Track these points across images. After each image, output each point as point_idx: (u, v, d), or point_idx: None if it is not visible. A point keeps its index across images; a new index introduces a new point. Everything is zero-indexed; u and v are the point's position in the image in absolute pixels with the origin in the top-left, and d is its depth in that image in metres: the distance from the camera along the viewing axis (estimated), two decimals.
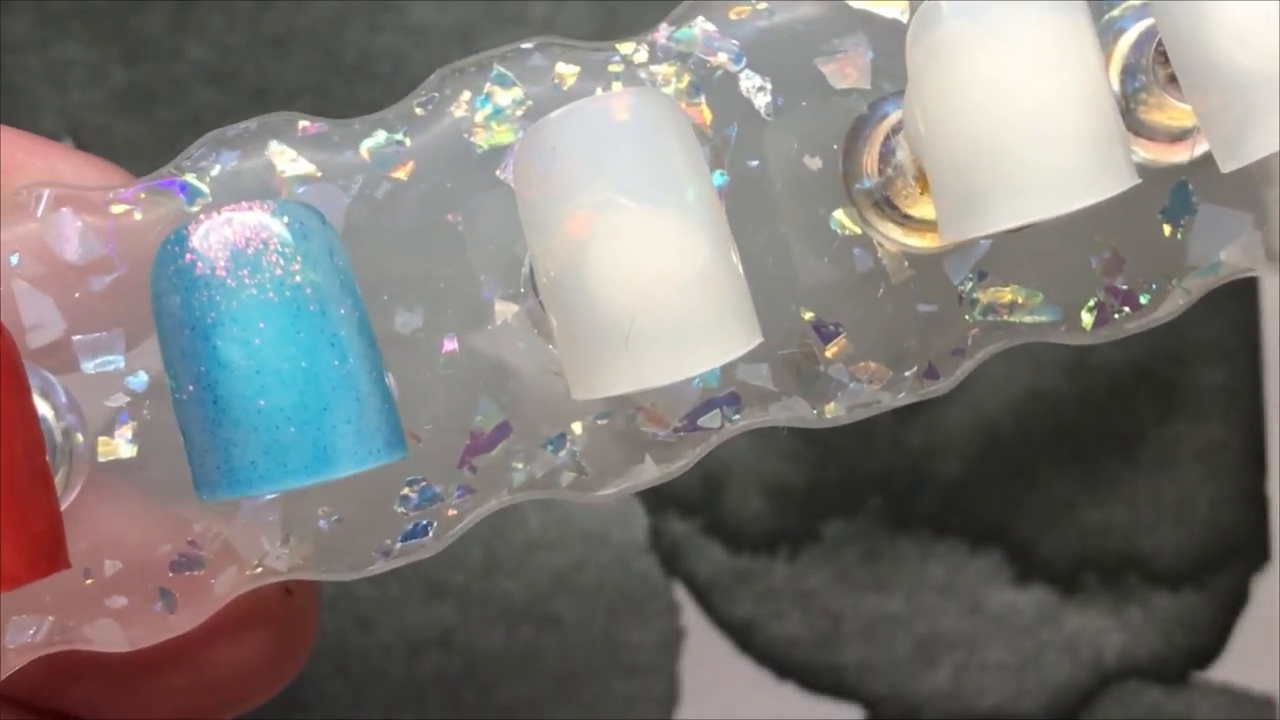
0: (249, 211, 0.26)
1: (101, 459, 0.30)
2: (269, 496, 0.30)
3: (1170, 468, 0.46)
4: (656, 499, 0.45)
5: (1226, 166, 0.27)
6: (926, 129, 0.27)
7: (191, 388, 0.26)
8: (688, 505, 0.45)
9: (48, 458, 0.29)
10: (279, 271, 0.25)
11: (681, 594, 0.45)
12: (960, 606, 0.46)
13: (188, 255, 0.25)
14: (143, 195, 0.30)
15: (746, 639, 0.45)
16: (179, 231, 0.26)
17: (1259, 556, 0.46)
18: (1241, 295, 0.46)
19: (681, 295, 0.26)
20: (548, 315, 0.28)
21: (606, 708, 0.44)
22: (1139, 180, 0.27)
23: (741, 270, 0.27)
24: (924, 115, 0.27)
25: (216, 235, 0.26)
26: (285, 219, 0.26)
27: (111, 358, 0.30)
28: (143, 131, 0.43)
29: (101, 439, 0.30)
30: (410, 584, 0.42)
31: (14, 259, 0.30)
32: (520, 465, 0.31)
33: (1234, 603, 0.47)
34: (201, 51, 0.39)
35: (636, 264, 0.26)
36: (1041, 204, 0.26)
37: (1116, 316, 0.32)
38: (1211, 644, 0.47)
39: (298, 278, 0.25)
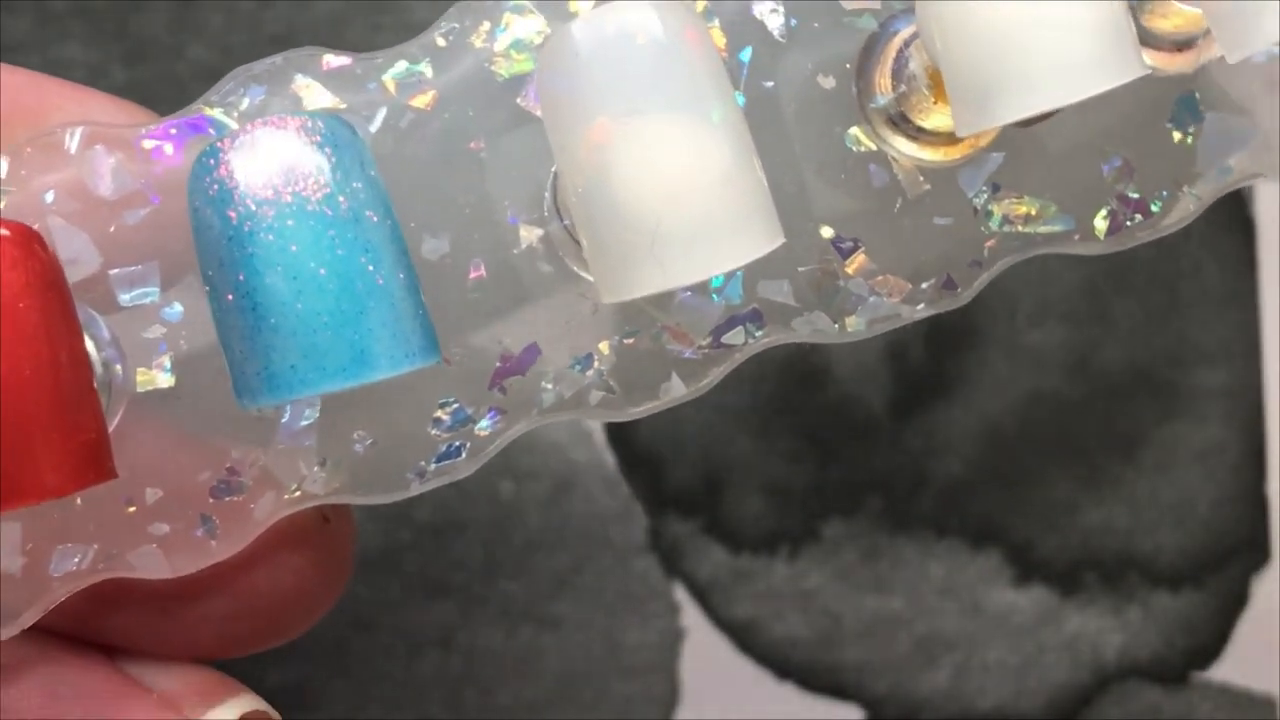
0: (282, 123, 0.26)
1: (140, 389, 0.30)
2: (306, 420, 0.30)
3: (1170, 468, 0.46)
4: (656, 499, 0.46)
5: (1233, 56, 0.28)
6: (939, 27, 0.27)
7: (230, 296, 0.26)
8: (688, 505, 0.46)
9: None
10: (312, 179, 0.26)
11: (681, 594, 0.45)
12: (960, 607, 0.46)
13: (223, 167, 0.26)
14: (173, 131, 0.31)
15: (747, 639, 0.45)
16: (214, 145, 0.27)
17: (1259, 557, 0.47)
18: (1242, 296, 0.46)
19: (704, 196, 0.27)
20: (575, 225, 0.28)
21: (606, 708, 0.44)
22: (1148, 70, 0.28)
23: (762, 174, 0.28)
24: (937, 14, 0.27)
25: (251, 146, 0.26)
26: (317, 129, 0.27)
27: (147, 290, 0.30)
28: None
29: (140, 369, 0.30)
30: (410, 584, 0.42)
31: (49, 196, 0.30)
32: (549, 386, 0.31)
33: (1234, 603, 0.47)
34: (202, 52, 0.40)
35: (660, 167, 0.26)
36: (1051, 92, 0.26)
37: (1129, 224, 0.32)
38: (1211, 644, 0.47)
39: (330, 186, 0.26)
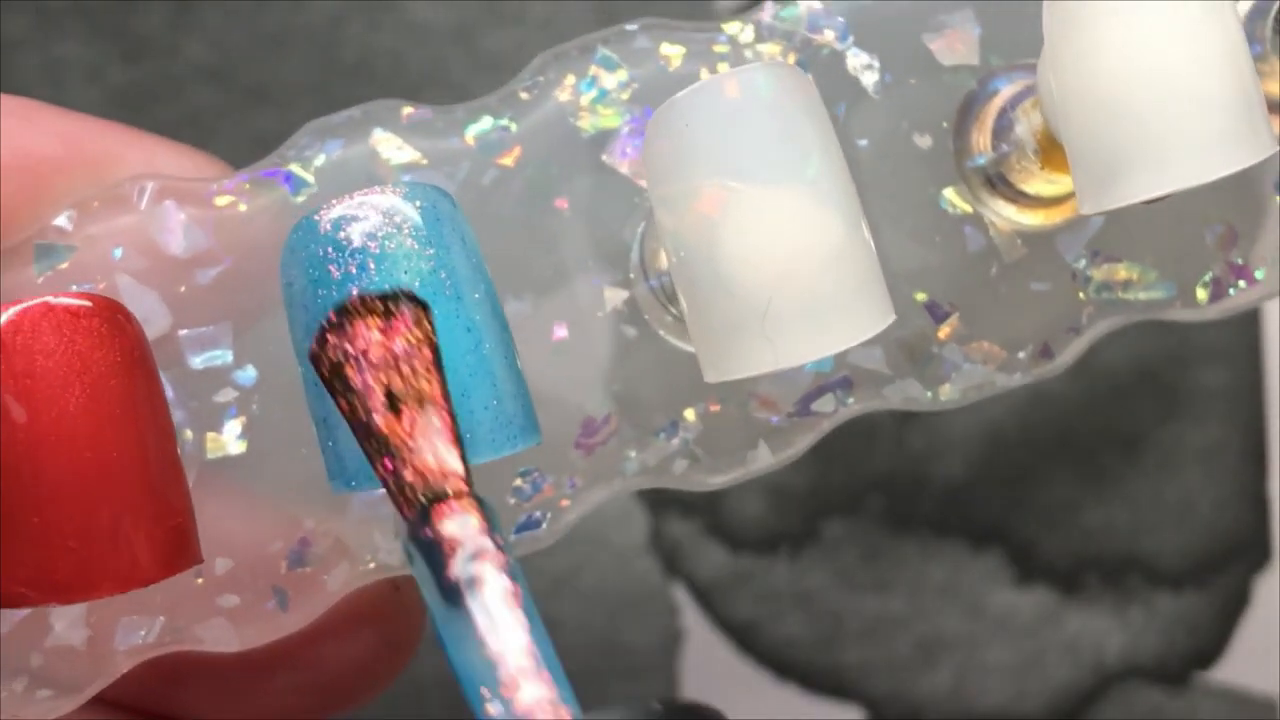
0: (380, 195, 0.25)
1: (210, 455, 0.29)
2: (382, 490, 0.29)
3: (1171, 469, 0.45)
4: (657, 500, 0.45)
5: None
6: (1062, 98, 0.26)
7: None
8: (688, 506, 0.45)
9: None
10: (412, 257, 0.25)
11: (682, 595, 0.45)
12: (961, 607, 0.45)
13: (318, 242, 0.25)
14: (246, 186, 0.30)
15: (747, 640, 0.45)
16: (308, 218, 0.25)
17: (1260, 557, 0.46)
18: None
19: (817, 273, 0.25)
20: (672, 293, 0.27)
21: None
22: (1276, 147, 0.27)
23: (874, 249, 0.27)
24: (1059, 83, 0.26)
25: (347, 220, 0.25)
26: (417, 202, 0.25)
27: (219, 352, 0.29)
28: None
29: (210, 435, 0.29)
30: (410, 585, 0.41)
31: (117, 253, 0.29)
32: (633, 454, 0.30)
33: (1235, 603, 0.46)
34: (200, 50, 0.39)
35: (771, 242, 0.25)
36: (1183, 172, 0.25)
37: (1232, 291, 0.31)
38: (1213, 645, 0.46)
39: (432, 262, 0.25)
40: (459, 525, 0.23)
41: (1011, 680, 0.45)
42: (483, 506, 0.23)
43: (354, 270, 0.25)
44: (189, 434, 0.29)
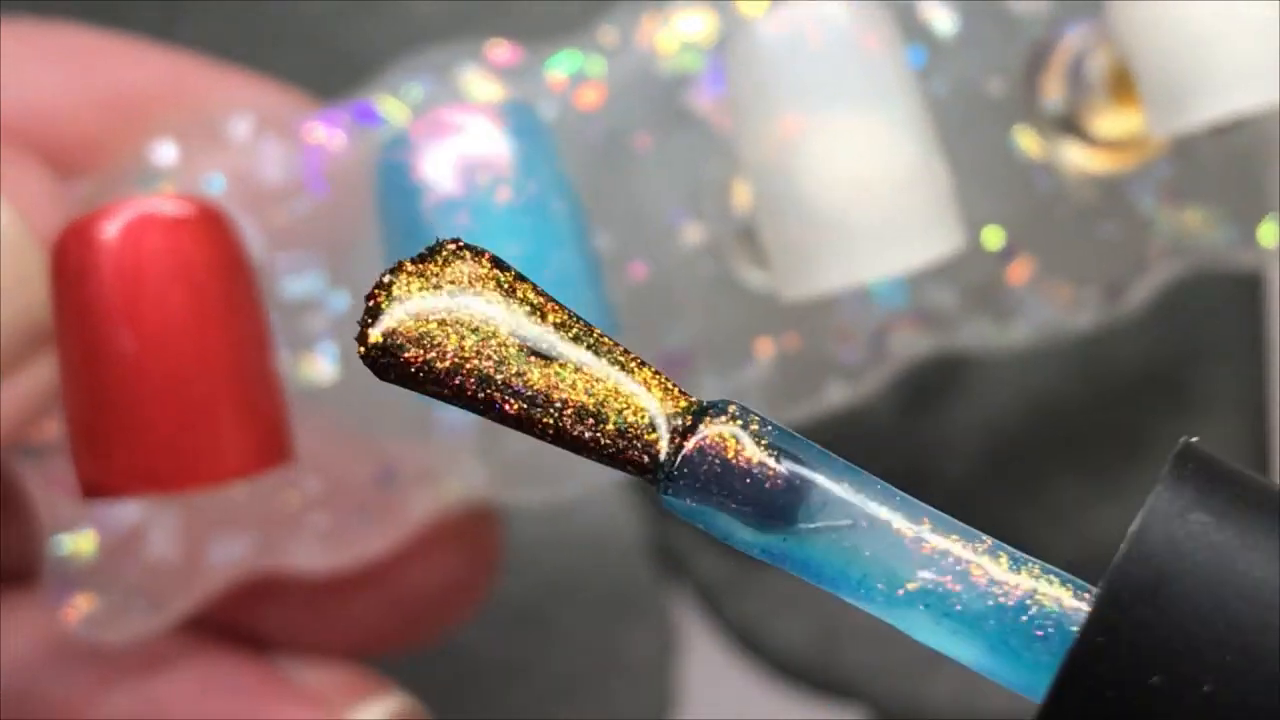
0: (465, 112, 0.26)
1: (304, 381, 0.30)
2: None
3: None
4: (657, 499, 0.45)
5: None
6: (1130, 27, 0.27)
7: None
8: None
9: None
10: (500, 168, 0.26)
11: (682, 596, 0.45)
12: None
13: (411, 155, 0.26)
14: (343, 119, 0.31)
15: (747, 642, 0.45)
16: (402, 133, 0.26)
17: None
18: (1248, 296, 0.45)
19: (892, 192, 0.26)
20: (754, 221, 0.28)
21: (606, 710, 0.43)
22: None
23: (947, 174, 0.28)
24: (1129, 14, 0.27)
25: (439, 134, 0.26)
26: (505, 117, 0.26)
27: (311, 280, 0.30)
28: None
29: (304, 359, 0.30)
30: None
31: (216, 182, 0.30)
32: (709, 385, 0.31)
33: None
34: (195, 46, 0.40)
35: (847, 162, 0.26)
36: (1246, 93, 0.26)
37: None
38: None
39: (517, 174, 0.26)
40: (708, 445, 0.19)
41: None
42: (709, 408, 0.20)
43: (444, 186, 0.26)
44: (283, 358, 0.30)
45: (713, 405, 0.20)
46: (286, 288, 0.30)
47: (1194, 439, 0.22)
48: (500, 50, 0.31)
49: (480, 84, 0.31)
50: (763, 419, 0.20)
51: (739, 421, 0.19)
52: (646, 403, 0.19)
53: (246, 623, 0.32)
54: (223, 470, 0.25)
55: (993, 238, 0.31)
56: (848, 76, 0.26)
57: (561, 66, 0.31)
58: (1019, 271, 0.31)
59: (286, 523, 0.30)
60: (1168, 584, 0.20)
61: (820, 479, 0.20)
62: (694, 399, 0.20)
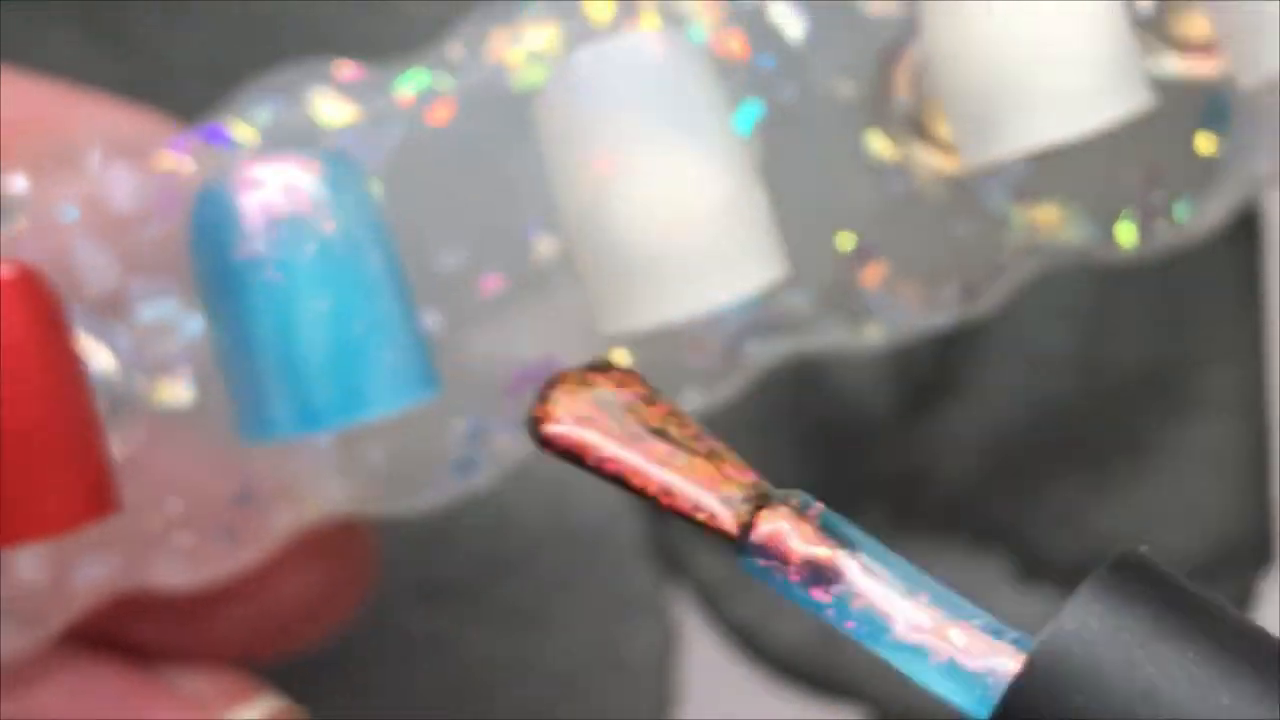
0: (280, 164, 0.27)
1: (161, 402, 0.31)
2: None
3: (1175, 470, 0.45)
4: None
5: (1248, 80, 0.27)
6: (941, 54, 0.27)
7: (228, 336, 0.27)
8: None
9: (107, 403, 0.30)
10: (308, 220, 0.26)
11: (682, 596, 0.45)
12: None
13: (216, 210, 0.26)
14: (191, 145, 0.31)
15: (747, 641, 0.45)
16: (207, 187, 0.27)
17: (1263, 558, 0.46)
18: (1248, 297, 0.45)
19: (703, 228, 0.27)
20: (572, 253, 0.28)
21: (606, 710, 0.43)
22: (1153, 102, 0.27)
23: (765, 205, 0.28)
24: (938, 39, 0.27)
25: (246, 189, 0.26)
26: (316, 168, 0.27)
27: (167, 304, 0.31)
28: None
29: (161, 383, 0.31)
30: (407, 586, 0.42)
31: (70, 212, 0.31)
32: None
33: (1238, 605, 0.46)
34: (192, 48, 0.39)
35: (656, 199, 0.26)
36: (1050, 128, 0.26)
37: (1155, 231, 0.32)
38: None
39: (327, 226, 0.26)
40: (770, 531, 0.24)
41: None
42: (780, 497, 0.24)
43: (257, 233, 0.26)
44: (140, 382, 0.31)
45: (774, 496, 0.24)
46: (142, 312, 0.31)
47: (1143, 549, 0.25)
48: (348, 69, 0.31)
49: (329, 104, 0.31)
50: (817, 508, 0.24)
51: (792, 512, 0.24)
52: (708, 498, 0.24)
53: (121, 634, 0.33)
54: (46, 526, 0.26)
55: (845, 241, 0.31)
56: (657, 111, 0.27)
57: (410, 84, 0.31)
58: (873, 274, 0.31)
59: (150, 543, 0.31)
60: (1076, 682, 0.23)
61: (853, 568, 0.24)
62: (758, 488, 0.24)
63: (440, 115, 0.31)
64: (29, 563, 0.31)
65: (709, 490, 0.24)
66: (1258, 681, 0.23)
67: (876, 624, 0.24)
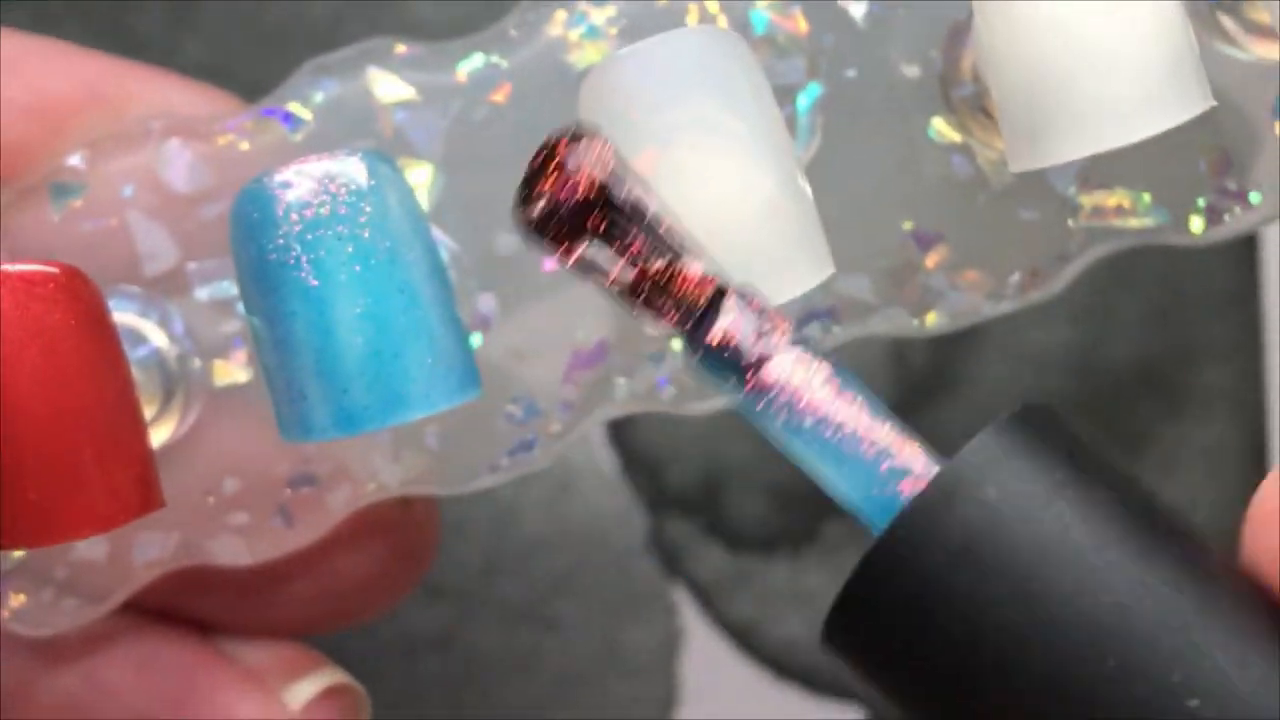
0: (318, 163, 0.26)
1: (218, 383, 0.31)
2: None
3: (1173, 469, 0.45)
4: (657, 500, 0.45)
5: None
6: (993, 55, 0.26)
7: (267, 336, 0.27)
8: (688, 506, 0.45)
9: (163, 385, 0.30)
10: (347, 222, 0.26)
11: (682, 595, 0.45)
12: None
13: (257, 210, 0.26)
14: (248, 125, 0.31)
15: (747, 640, 0.45)
16: (251, 186, 0.27)
17: None
18: (1245, 295, 0.44)
19: (745, 231, 0.26)
20: None
21: (607, 709, 0.43)
22: (1212, 104, 0.26)
23: (811, 203, 0.27)
24: (990, 40, 0.26)
25: (287, 189, 0.26)
26: (351, 170, 0.27)
27: (224, 284, 0.31)
28: None
29: (217, 363, 0.31)
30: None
31: (127, 190, 0.31)
32: (622, 380, 0.31)
33: None
34: (199, 49, 0.39)
35: (698, 201, 0.26)
36: (1105, 135, 0.25)
37: (1227, 218, 0.31)
38: None
39: (368, 225, 0.26)
40: (728, 320, 0.24)
41: None
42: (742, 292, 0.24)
43: (295, 235, 0.26)
44: (197, 363, 0.31)
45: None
46: (199, 292, 0.31)
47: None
48: (408, 50, 0.31)
49: (387, 84, 0.31)
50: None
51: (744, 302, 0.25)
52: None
53: (184, 608, 0.33)
54: (90, 524, 0.26)
55: (907, 225, 0.31)
56: (699, 111, 0.26)
57: (469, 64, 0.31)
58: (936, 259, 0.31)
59: (207, 522, 0.31)
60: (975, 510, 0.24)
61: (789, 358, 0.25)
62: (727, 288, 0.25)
63: (498, 97, 0.31)
64: (87, 541, 0.31)
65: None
66: (1148, 538, 0.24)
67: (803, 417, 0.25)
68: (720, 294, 0.24)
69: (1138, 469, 0.44)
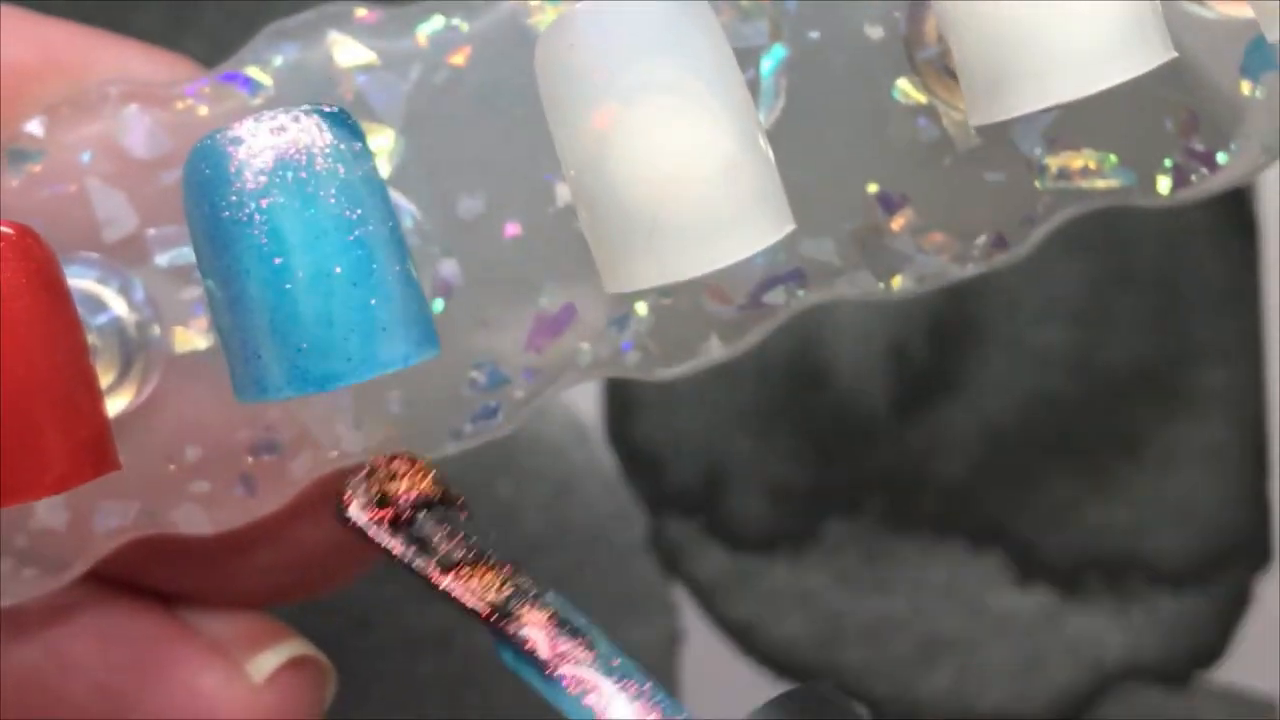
0: (272, 120, 0.26)
1: (178, 350, 0.31)
2: None
3: (1172, 468, 0.45)
4: (656, 499, 0.45)
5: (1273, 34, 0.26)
6: (953, 13, 0.26)
7: (221, 296, 0.26)
8: (688, 505, 0.45)
9: (122, 351, 0.30)
10: (304, 177, 0.26)
11: (681, 595, 0.45)
12: (962, 608, 0.45)
13: (210, 167, 0.26)
14: (207, 90, 0.31)
15: (747, 640, 0.45)
16: (203, 143, 0.26)
17: (1261, 557, 0.46)
18: (1244, 296, 0.45)
19: (704, 188, 0.26)
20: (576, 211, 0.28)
21: None
22: (1173, 54, 0.26)
23: (771, 160, 0.27)
24: (948, 6, 0.26)
25: (240, 145, 0.26)
26: (314, 125, 0.26)
27: (183, 250, 0.30)
28: None
29: (178, 330, 0.31)
30: (409, 584, 0.42)
31: (86, 156, 0.30)
32: (586, 346, 0.31)
33: (1236, 604, 0.46)
34: (199, 48, 0.39)
35: (657, 158, 0.26)
36: (1063, 85, 0.25)
37: (1194, 178, 0.31)
38: (1214, 645, 0.46)
39: (324, 183, 0.26)
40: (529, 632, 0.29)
41: (1012, 681, 0.45)
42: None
43: (249, 192, 0.26)
44: (157, 330, 0.31)
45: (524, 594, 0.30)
46: (159, 259, 0.31)
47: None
48: (367, 11, 0.31)
49: (347, 47, 0.31)
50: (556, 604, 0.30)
51: (537, 608, 0.30)
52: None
53: (147, 578, 0.33)
54: (45, 483, 0.26)
55: (873, 188, 0.31)
56: (657, 67, 0.26)
57: (428, 26, 0.31)
58: (902, 222, 0.31)
59: (168, 490, 0.31)
60: None
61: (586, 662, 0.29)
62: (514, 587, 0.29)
63: (458, 60, 0.30)
64: (46, 509, 0.31)
65: (472, 590, 0.29)
66: None
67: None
68: (519, 601, 0.28)
69: (1136, 470, 0.45)
